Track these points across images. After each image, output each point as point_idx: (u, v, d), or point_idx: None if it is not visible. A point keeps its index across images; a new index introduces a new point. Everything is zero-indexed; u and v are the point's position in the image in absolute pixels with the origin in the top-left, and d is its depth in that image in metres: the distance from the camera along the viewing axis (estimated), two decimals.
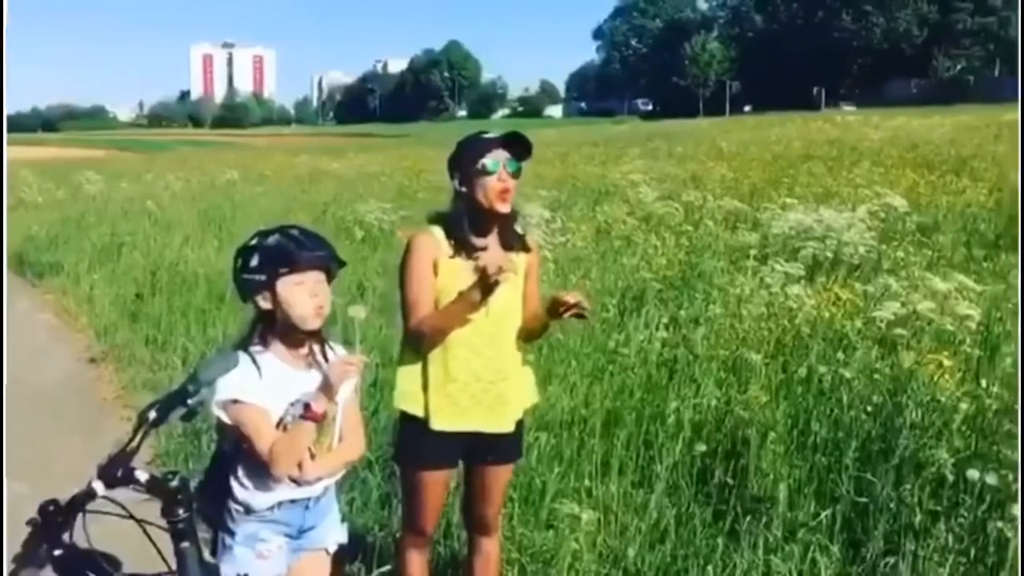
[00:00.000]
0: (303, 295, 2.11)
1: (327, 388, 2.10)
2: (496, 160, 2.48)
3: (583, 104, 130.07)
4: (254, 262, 2.11)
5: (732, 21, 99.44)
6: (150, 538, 1.69)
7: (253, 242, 2.15)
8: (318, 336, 2.21)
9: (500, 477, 2.72)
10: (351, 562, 3.17)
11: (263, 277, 2.10)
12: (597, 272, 6.88)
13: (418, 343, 2.54)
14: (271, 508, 2.19)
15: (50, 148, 57.42)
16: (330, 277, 2.18)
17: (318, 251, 2.14)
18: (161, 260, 9.15)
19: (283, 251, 2.10)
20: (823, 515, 3.30)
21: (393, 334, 4.94)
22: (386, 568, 3.08)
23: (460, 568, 3.09)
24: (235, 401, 2.09)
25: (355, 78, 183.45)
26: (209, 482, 2.22)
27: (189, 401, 1.69)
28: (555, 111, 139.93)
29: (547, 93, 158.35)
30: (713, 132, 28.11)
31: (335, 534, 2.36)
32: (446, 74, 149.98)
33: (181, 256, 9.26)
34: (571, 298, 2.43)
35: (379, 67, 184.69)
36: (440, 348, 2.51)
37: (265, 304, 2.13)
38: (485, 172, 2.47)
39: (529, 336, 2.66)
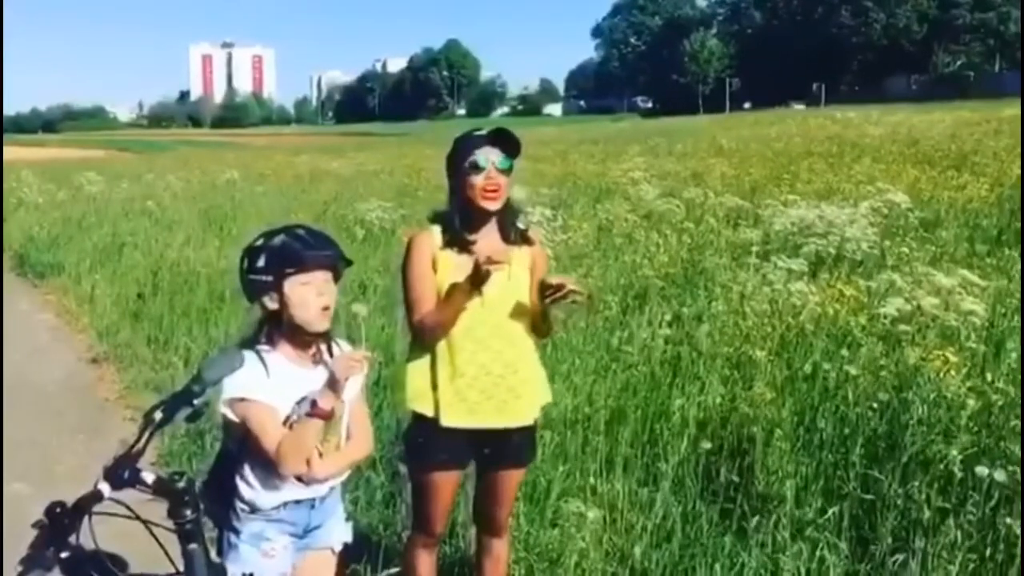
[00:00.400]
0: (310, 295, 2.10)
1: (333, 384, 2.08)
2: (486, 157, 2.47)
3: (582, 102, 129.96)
4: (261, 263, 2.09)
5: (731, 18, 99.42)
6: (157, 539, 1.67)
7: (259, 243, 2.13)
8: (324, 335, 2.19)
9: (512, 479, 2.70)
10: (356, 561, 3.16)
11: (270, 278, 2.08)
12: (599, 270, 6.86)
13: (423, 339, 2.53)
14: (277, 508, 2.18)
15: (50, 149, 57.45)
16: (337, 276, 2.16)
17: (325, 250, 2.13)
18: (162, 260, 9.15)
19: (290, 251, 2.09)
20: (831, 512, 3.29)
21: (395, 333, 4.97)
22: (395, 570, 3.06)
23: (467, 567, 3.08)
24: (242, 399, 2.07)
25: (354, 77, 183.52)
26: (214, 481, 2.21)
27: (195, 401, 1.68)
28: (554, 109, 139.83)
29: (546, 91, 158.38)
30: (713, 129, 28.14)
31: (340, 533, 2.35)
32: (445, 73, 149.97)
33: (182, 256, 9.25)
34: (555, 280, 2.43)
35: (378, 66, 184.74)
36: (446, 343, 2.50)
37: (272, 304, 2.11)
38: (475, 169, 2.47)
39: (536, 332, 2.64)
